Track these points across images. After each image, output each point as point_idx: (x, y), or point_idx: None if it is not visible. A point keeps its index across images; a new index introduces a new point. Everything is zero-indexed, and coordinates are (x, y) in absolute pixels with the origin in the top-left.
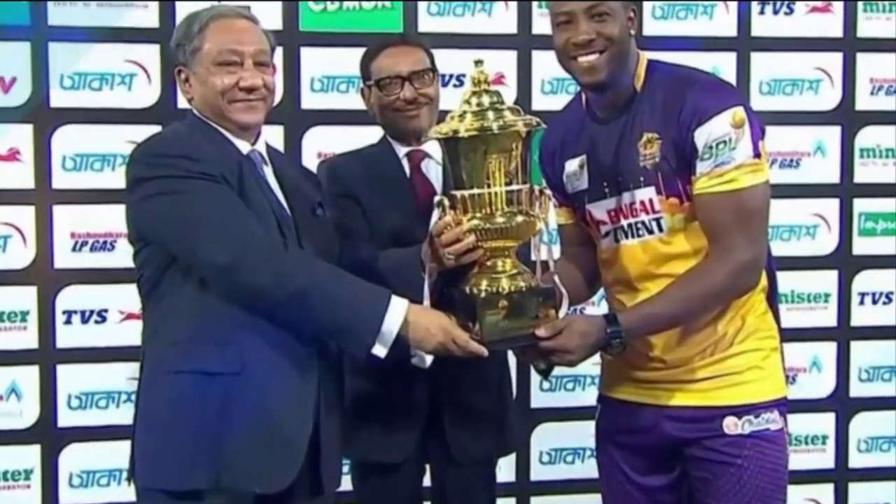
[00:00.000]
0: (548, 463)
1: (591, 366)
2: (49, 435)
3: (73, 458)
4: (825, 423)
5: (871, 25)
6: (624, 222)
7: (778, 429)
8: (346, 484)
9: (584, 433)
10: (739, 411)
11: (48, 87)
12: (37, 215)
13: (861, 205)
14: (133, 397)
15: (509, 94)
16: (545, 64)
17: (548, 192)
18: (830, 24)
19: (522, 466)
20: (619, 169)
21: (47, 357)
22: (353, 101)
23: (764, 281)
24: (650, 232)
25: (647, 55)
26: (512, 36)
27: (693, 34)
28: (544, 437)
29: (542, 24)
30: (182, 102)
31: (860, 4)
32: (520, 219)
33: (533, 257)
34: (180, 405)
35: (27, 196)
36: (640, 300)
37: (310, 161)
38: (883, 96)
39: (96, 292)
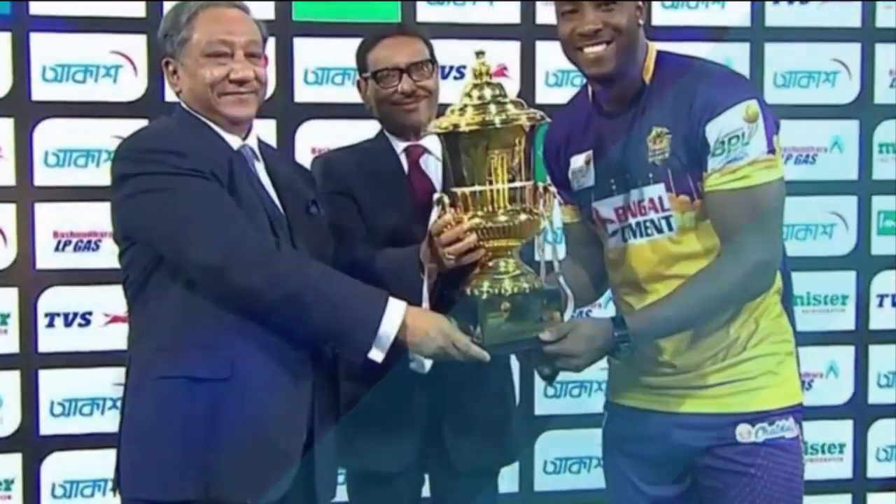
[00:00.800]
0: (552, 472)
1: (598, 371)
2: (30, 443)
3: (56, 467)
4: (842, 430)
5: (890, 15)
6: (632, 221)
7: (793, 437)
8: (342, 494)
9: (590, 441)
10: (753, 418)
11: (30, 80)
12: (18, 214)
13: (880, 202)
14: (118, 404)
15: (512, 86)
16: (549, 55)
17: (552, 189)
18: (848, 14)
19: (526, 476)
20: (626, 165)
21: (29, 362)
22: (349, 94)
23: (778, 282)
24: (659, 231)
25: (656, 46)
26: (515, 26)
27: (704, 24)
28: (549, 446)
29: (546, 13)
30: (170, 95)
31: None
32: (523, 217)
33: (537, 257)
34: (167, 412)
35: (8, 193)
36: (648, 302)
37: (303, 157)
38: None
39: (80, 294)
